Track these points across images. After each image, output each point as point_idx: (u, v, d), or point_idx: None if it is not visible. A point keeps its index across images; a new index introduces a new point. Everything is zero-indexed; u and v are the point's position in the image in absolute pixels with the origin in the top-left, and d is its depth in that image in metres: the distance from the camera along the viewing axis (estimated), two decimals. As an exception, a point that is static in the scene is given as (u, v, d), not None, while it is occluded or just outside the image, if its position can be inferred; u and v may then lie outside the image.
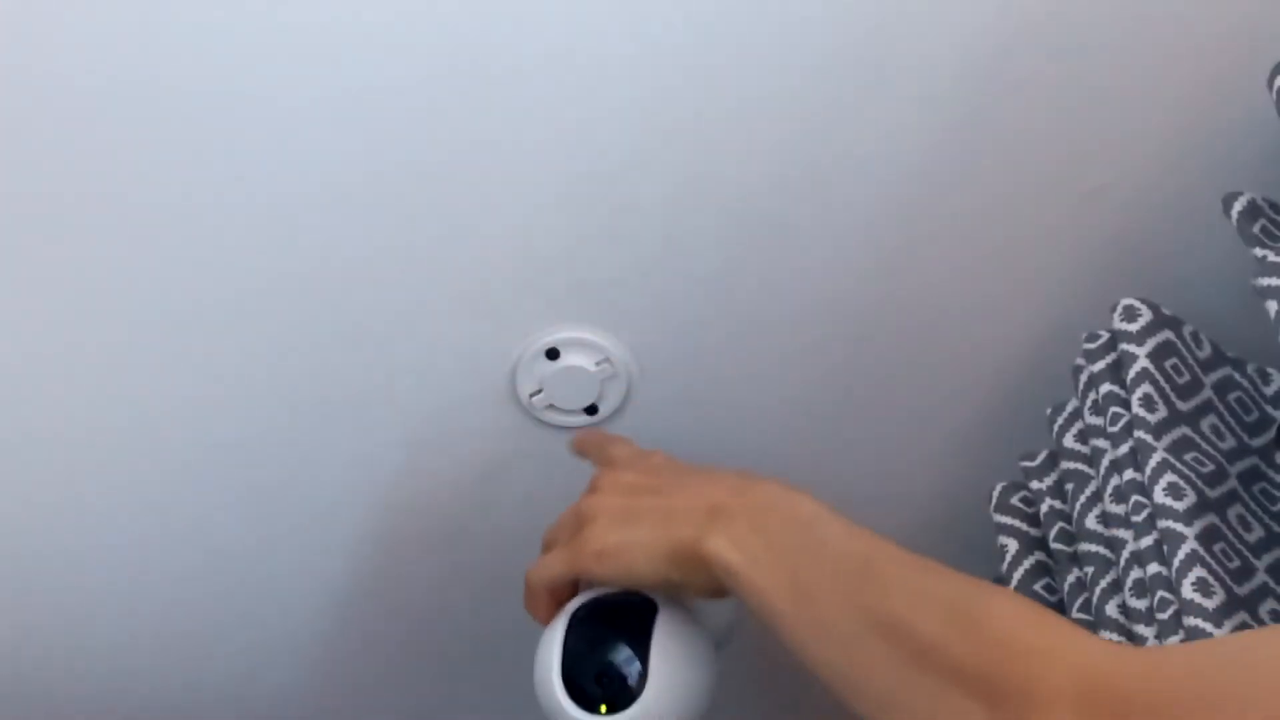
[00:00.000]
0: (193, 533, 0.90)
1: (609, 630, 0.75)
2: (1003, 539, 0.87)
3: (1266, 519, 0.77)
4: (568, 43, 0.76)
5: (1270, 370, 0.84)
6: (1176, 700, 0.52)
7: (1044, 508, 0.85)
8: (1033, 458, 0.87)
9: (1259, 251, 0.74)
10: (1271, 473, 0.80)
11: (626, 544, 0.73)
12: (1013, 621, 0.59)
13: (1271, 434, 0.81)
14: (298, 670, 0.99)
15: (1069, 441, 0.84)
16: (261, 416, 0.86)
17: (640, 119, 0.80)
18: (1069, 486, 0.83)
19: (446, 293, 0.85)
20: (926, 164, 0.85)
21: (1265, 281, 0.72)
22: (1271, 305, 0.71)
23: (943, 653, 0.59)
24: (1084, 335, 0.84)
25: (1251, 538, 0.76)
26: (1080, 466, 0.83)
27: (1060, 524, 0.84)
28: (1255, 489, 0.79)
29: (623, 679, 0.73)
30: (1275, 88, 0.75)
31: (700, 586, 0.73)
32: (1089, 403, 0.83)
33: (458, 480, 0.93)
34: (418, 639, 1.01)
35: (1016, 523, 0.87)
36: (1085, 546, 0.80)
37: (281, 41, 0.73)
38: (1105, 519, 0.79)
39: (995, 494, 0.89)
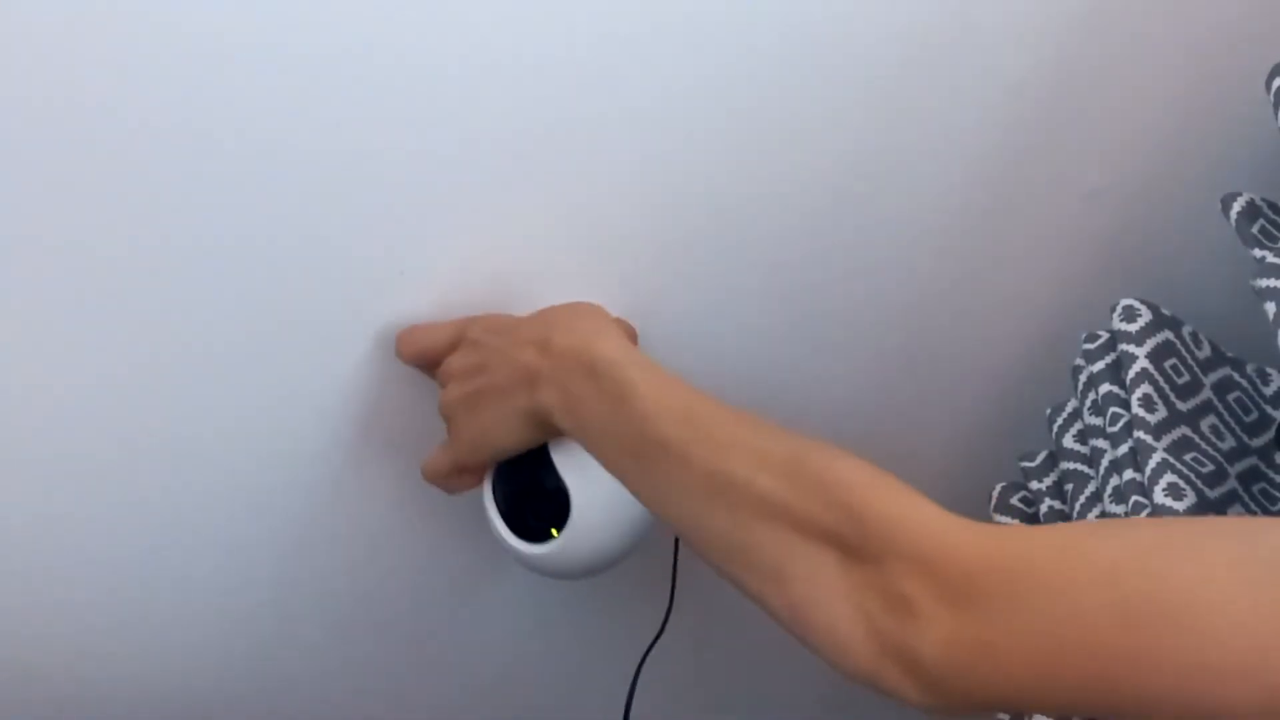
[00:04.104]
0: (191, 535, 0.90)
1: (519, 474, 0.79)
2: (1003, 539, 0.87)
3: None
4: (577, 49, 0.76)
5: (1270, 370, 0.84)
6: (1011, 579, 0.56)
7: (1044, 508, 0.85)
8: (1032, 458, 0.87)
9: (1258, 252, 0.74)
10: (1271, 473, 0.80)
11: (483, 429, 0.77)
12: (854, 483, 0.62)
13: (1271, 434, 0.82)
14: (297, 668, 0.99)
15: (1068, 442, 0.85)
16: (263, 417, 0.86)
17: (647, 124, 0.80)
18: (1068, 487, 0.83)
19: (448, 293, 0.85)
20: (926, 165, 0.85)
21: (1264, 282, 0.72)
22: (1270, 306, 0.71)
23: (786, 507, 0.62)
24: (1084, 335, 0.84)
25: (1251, 538, 0.76)
26: (1080, 467, 0.83)
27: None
28: (1255, 489, 0.79)
29: (549, 501, 0.78)
30: (1274, 88, 0.75)
31: (562, 435, 0.76)
32: (1088, 403, 0.83)
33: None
34: (427, 649, 1.01)
35: (1016, 523, 0.87)
36: (1085, 547, 0.80)
37: (286, 40, 0.73)
38: (1105, 519, 0.79)
39: (995, 494, 0.89)
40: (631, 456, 0.69)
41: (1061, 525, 0.60)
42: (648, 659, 0.87)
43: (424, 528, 0.94)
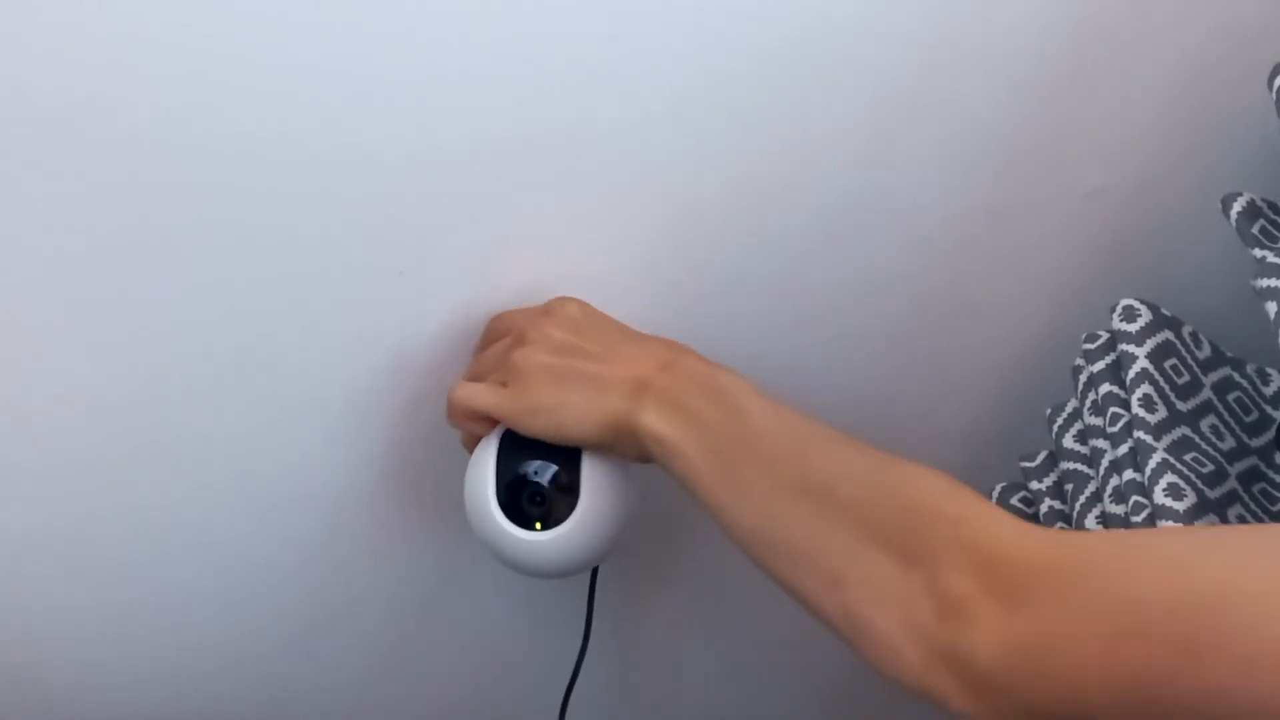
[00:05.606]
0: (194, 540, 0.90)
1: (541, 454, 0.78)
2: (1003, 539, 0.87)
3: (1266, 519, 0.77)
4: (582, 48, 0.76)
5: (1270, 370, 0.84)
6: (1069, 574, 0.56)
7: (1044, 508, 0.85)
8: (1032, 458, 0.87)
9: (1258, 252, 0.74)
10: (1271, 473, 0.80)
11: (558, 405, 0.76)
12: (929, 490, 0.63)
13: (1271, 434, 0.82)
14: (301, 676, 0.99)
15: (1068, 442, 0.84)
16: (259, 419, 0.86)
17: (651, 125, 0.80)
18: (1068, 487, 0.83)
19: (448, 294, 0.85)
20: (926, 165, 0.85)
21: (1264, 282, 0.72)
22: (1271, 306, 0.71)
23: (860, 512, 0.63)
24: (1084, 335, 0.84)
25: (1251, 538, 0.76)
26: (1080, 467, 0.83)
27: (1060, 524, 0.84)
28: (1255, 489, 0.79)
29: (556, 499, 0.78)
30: (1275, 88, 0.75)
31: (625, 452, 0.76)
32: (1088, 403, 0.83)
33: (454, 481, 0.93)
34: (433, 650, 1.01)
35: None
36: (1085, 547, 0.80)
37: (288, 40, 0.73)
38: (1105, 520, 0.79)
39: (995, 494, 0.89)
40: (726, 461, 0.70)
41: (1121, 530, 0.59)
42: (572, 696, 0.87)
43: (424, 525, 0.94)
